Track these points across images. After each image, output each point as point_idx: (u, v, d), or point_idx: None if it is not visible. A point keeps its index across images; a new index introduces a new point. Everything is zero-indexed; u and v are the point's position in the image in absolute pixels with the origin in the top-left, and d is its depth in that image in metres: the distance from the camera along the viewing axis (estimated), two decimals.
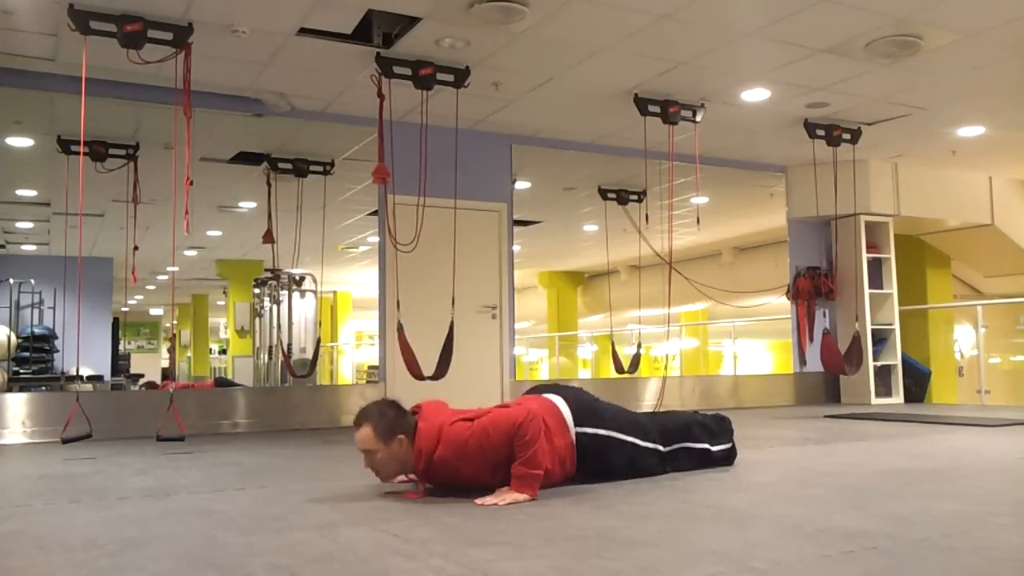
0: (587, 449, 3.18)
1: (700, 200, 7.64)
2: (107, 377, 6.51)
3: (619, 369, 7.40)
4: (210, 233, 7.14)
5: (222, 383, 6.94)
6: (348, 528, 2.43)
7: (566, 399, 3.22)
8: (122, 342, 6.73)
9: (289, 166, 6.74)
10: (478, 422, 2.94)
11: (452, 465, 2.93)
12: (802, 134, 7.19)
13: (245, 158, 6.80)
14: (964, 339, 11.27)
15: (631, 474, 3.34)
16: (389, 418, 2.95)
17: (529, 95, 6.37)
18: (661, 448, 3.41)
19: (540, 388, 3.36)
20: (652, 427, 3.41)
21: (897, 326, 8.56)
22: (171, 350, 6.83)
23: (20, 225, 6.58)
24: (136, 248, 6.11)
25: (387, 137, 5.82)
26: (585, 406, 3.25)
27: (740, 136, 7.58)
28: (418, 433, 2.95)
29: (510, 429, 2.88)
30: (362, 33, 5.25)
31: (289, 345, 6.91)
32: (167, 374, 6.85)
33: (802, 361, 8.54)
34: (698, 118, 6.65)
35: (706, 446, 3.57)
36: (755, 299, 8.74)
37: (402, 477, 3.31)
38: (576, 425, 3.17)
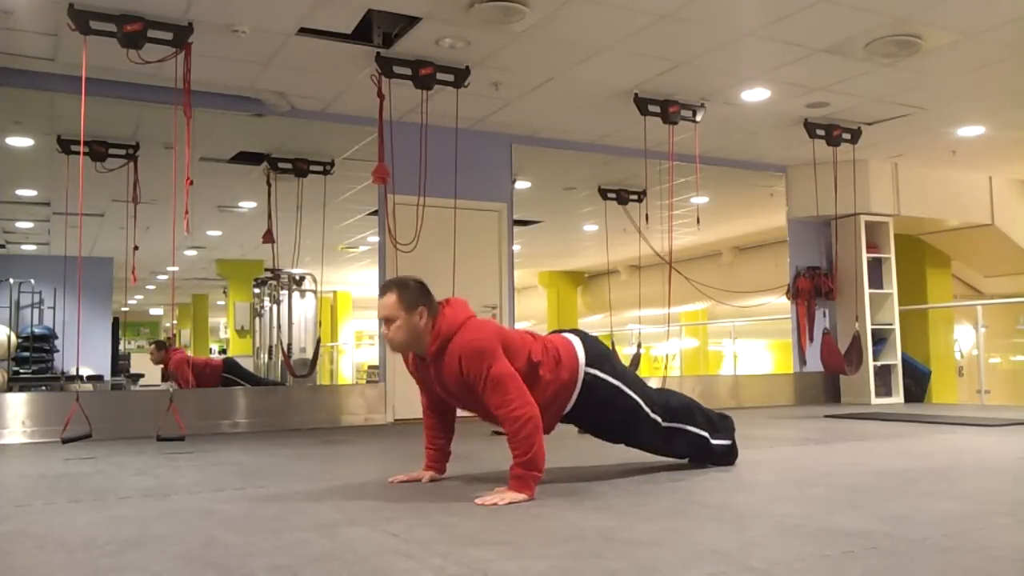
0: (591, 392, 3.18)
1: (700, 200, 7.64)
2: (107, 377, 6.51)
3: None
4: (210, 233, 7.14)
5: (231, 365, 6.90)
6: (348, 528, 2.43)
7: (585, 341, 3.25)
8: (122, 342, 6.73)
9: (289, 166, 6.74)
10: (495, 367, 2.92)
11: (451, 367, 2.96)
12: (802, 134, 7.20)
13: (245, 158, 6.80)
14: (964, 339, 11.27)
15: (626, 431, 3.35)
16: (414, 290, 3.06)
17: (529, 95, 6.37)
18: (660, 421, 3.37)
19: (565, 329, 3.40)
20: (657, 400, 3.39)
21: (897, 326, 8.56)
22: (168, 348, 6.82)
23: (20, 225, 6.58)
24: (136, 248, 6.11)
25: (387, 137, 5.82)
26: (601, 354, 3.28)
27: (740, 136, 7.58)
28: (442, 317, 3.02)
29: (502, 406, 2.90)
30: (362, 33, 5.25)
31: (289, 345, 6.91)
32: (168, 343, 6.76)
33: (802, 361, 8.54)
34: (698, 118, 6.65)
35: (706, 435, 3.52)
36: (755, 299, 8.74)
37: (401, 477, 3.32)
38: (587, 366, 3.18)
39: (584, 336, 3.30)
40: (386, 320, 3.05)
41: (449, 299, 3.14)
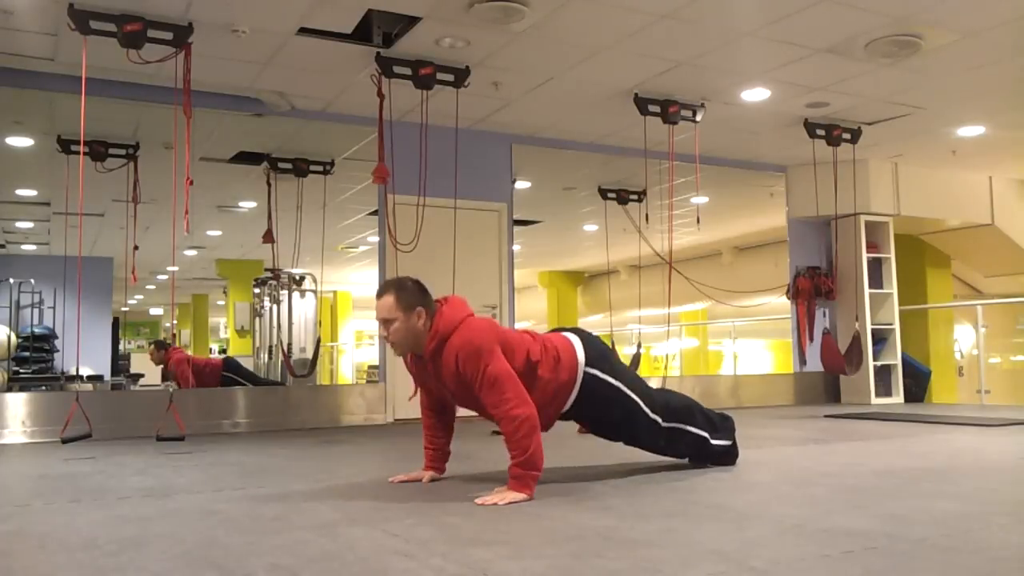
0: (591, 391, 3.18)
1: (700, 200, 7.64)
2: (107, 377, 6.51)
3: None
4: (210, 233, 7.14)
5: (231, 364, 6.90)
6: (348, 528, 2.43)
7: (585, 341, 3.25)
8: (122, 342, 6.73)
9: (289, 166, 6.74)
10: (492, 366, 2.92)
11: (449, 365, 2.97)
12: (802, 134, 7.20)
13: (245, 158, 6.80)
14: (964, 339, 11.27)
15: (626, 430, 3.35)
16: (411, 290, 3.06)
17: (529, 95, 6.37)
18: (660, 421, 3.36)
19: (565, 328, 3.39)
20: (657, 400, 3.39)
21: (897, 326, 8.56)
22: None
23: (20, 225, 6.58)
24: (136, 248, 6.11)
25: (387, 137, 5.82)
26: (601, 353, 3.27)
27: (740, 136, 7.58)
28: (440, 315, 3.03)
29: (498, 405, 2.90)
30: (362, 33, 5.25)
31: (289, 345, 6.91)
32: (168, 343, 6.76)
33: (802, 361, 8.54)
34: (698, 118, 6.65)
35: (706, 435, 3.52)
36: (755, 299, 8.74)
37: (401, 477, 3.32)
38: (587, 365, 3.18)
39: (584, 335, 3.30)
40: (384, 322, 3.05)
41: (448, 297, 3.15)
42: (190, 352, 6.99)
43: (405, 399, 6.36)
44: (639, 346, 7.49)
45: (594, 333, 3.39)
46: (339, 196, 6.99)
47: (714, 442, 3.56)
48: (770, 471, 3.59)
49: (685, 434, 3.46)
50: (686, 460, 3.65)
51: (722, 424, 3.63)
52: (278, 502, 2.92)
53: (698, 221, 7.33)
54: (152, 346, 6.73)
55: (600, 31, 5.20)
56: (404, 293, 3.04)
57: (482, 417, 3.18)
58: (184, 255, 6.88)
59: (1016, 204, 9.59)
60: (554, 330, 3.39)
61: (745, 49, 5.53)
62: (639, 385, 3.35)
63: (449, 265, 6.17)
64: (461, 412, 3.29)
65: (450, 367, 2.99)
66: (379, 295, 3.08)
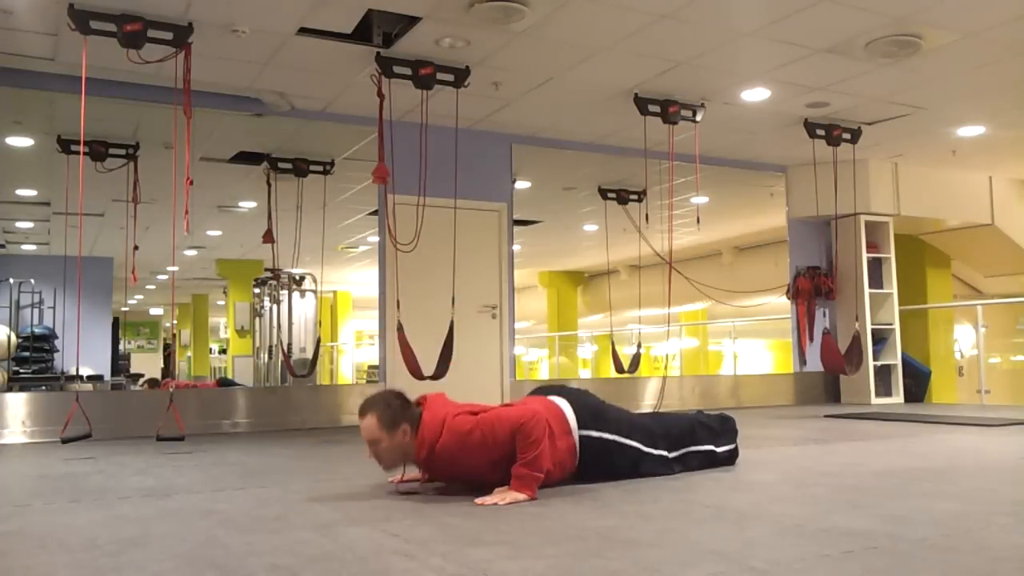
0: (590, 452, 3.18)
1: (700, 200, 7.64)
2: (107, 377, 6.51)
3: (619, 369, 7.40)
4: (210, 233, 7.14)
5: (225, 384, 6.93)
6: (348, 528, 2.43)
7: (571, 402, 3.22)
8: (122, 342, 6.73)
9: (289, 166, 6.74)
10: (483, 416, 2.95)
11: (453, 456, 2.94)
12: (802, 134, 7.19)
13: (245, 158, 6.80)
14: (964, 339, 11.27)
15: (636, 475, 3.34)
16: (394, 408, 2.98)
17: (529, 95, 6.37)
18: (667, 454, 3.41)
19: (544, 389, 3.36)
20: (658, 433, 3.41)
21: (897, 326, 8.56)
22: (170, 354, 6.83)
23: (20, 225, 6.58)
24: (136, 248, 6.11)
25: (387, 137, 5.82)
26: (589, 409, 3.25)
27: (740, 136, 7.58)
28: (422, 423, 2.97)
29: (514, 425, 2.90)
30: (362, 33, 5.25)
31: (289, 345, 6.91)
32: (166, 374, 6.85)
33: (802, 361, 8.54)
34: (698, 118, 6.65)
35: (711, 448, 3.57)
36: (755, 299, 8.74)
37: (399, 476, 3.32)
38: (580, 428, 3.17)
39: (570, 396, 3.27)
40: (370, 443, 2.98)
41: (426, 398, 3.08)
42: (189, 353, 7.00)
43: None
44: (639, 346, 7.49)
45: (576, 387, 3.39)
46: (339, 196, 6.99)
47: (719, 450, 3.62)
48: (770, 471, 3.59)
49: (694, 455, 3.52)
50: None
51: (722, 428, 3.66)
52: (278, 502, 2.92)
53: (698, 221, 7.33)
54: (145, 384, 6.76)
55: (600, 31, 5.20)
56: (387, 412, 2.96)
57: (496, 481, 3.02)
58: (184, 255, 6.88)
59: (1016, 204, 9.59)
60: (536, 391, 3.36)
61: (745, 49, 5.53)
62: (635, 427, 3.35)
63: (449, 265, 6.17)
64: None
65: (451, 458, 2.95)
66: (361, 414, 3.00)
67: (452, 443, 2.92)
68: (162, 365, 7.15)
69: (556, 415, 3.15)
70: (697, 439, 3.53)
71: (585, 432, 3.18)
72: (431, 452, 2.94)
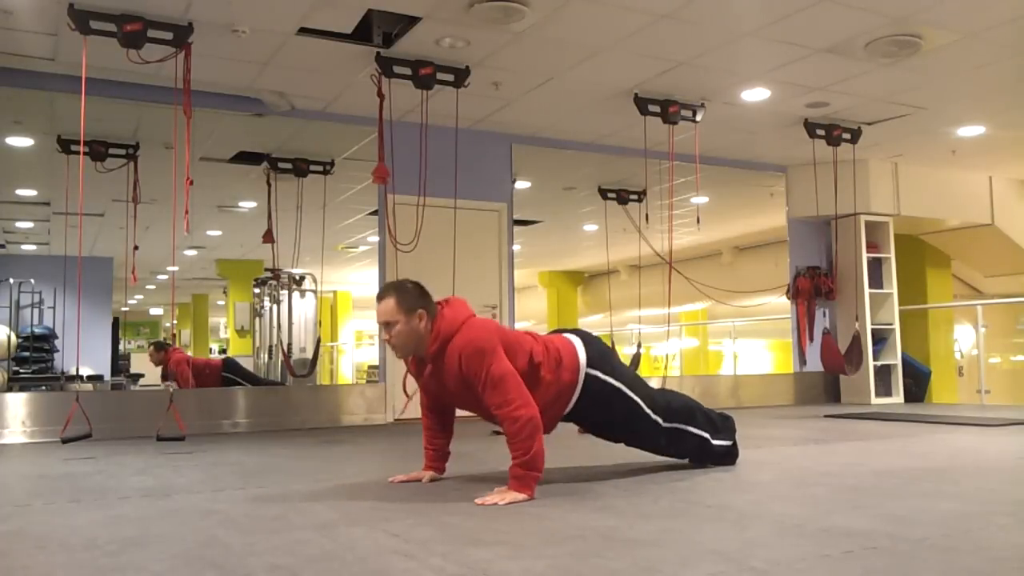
0: (592, 392, 3.18)
1: (700, 200, 7.64)
2: (107, 377, 6.51)
3: None
4: (210, 233, 7.14)
5: (230, 364, 6.89)
6: (348, 528, 2.43)
7: (586, 342, 3.24)
8: (122, 342, 6.73)
9: (289, 166, 6.74)
10: (495, 367, 2.91)
11: (451, 366, 2.97)
12: (802, 134, 7.20)
13: (245, 158, 6.80)
14: (964, 339, 11.27)
15: (627, 431, 3.36)
16: (412, 293, 3.05)
17: (529, 95, 6.37)
18: (661, 422, 3.37)
19: (566, 329, 3.39)
20: (658, 400, 3.40)
21: (897, 326, 8.56)
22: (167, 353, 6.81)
23: (20, 225, 6.58)
24: (136, 248, 6.11)
25: (387, 137, 5.82)
26: (602, 354, 3.27)
27: (740, 136, 7.58)
28: (441, 317, 3.02)
29: (502, 406, 2.89)
30: (362, 33, 5.25)
31: (289, 345, 6.91)
32: (167, 344, 6.76)
33: (802, 361, 8.54)
34: (698, 118, 6.65)
35: (706, 436, 3.52)
36: (755, 299, 8.74)
37: (401, 477, 3.32)
38: (588, 366, 3.18)
39: (585, 336, 3.30)
40: (386, 325, 3.04)
41: (449, 298, 3.14)
42: (190, 352, 6.99)
43: (405, 398, 6.38)
44: (639, 346, 7.49)
45: (594, 334, 3.40)
46: (339, 196, 6.99)
47: (715, 442, 3.57)
48: (770, 471, 3.59)
49: (686, 434, 3.46)
50: (686, 460, 3.65)
51: (723, 424, 3.63)
52: (278, 502, 2.92)
53: (698, 221, 7.33)
54: (151, 347, 6.73)
55: (600, 31, 5.20)
56: (405, 295, 3.03)
57: (483, 419, 3.18)
58: (184, 255, 6.88)
59: (1016, 204, 9.59)
60: (555, 331, 3.39)
61: (745, 49, 5.53)
62: (640, 386, 3.35)
63: (449, 265, 6.17)
64: (460, 412, 3.28)
65: (452, 368, 2.98)
66: (379, 298, 3.07)
67: (464, 347, 2.93)
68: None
69: (568, 349, 3.18)
70: (695, 420, 3.50)
71: (593, 371, 3.19)
72: (443, 347, 2.98)
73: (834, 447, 4.50)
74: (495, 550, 2.13)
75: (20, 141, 6.14)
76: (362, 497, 3.01)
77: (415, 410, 3.51)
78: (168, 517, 2.66)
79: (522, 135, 7.41)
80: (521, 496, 2.83)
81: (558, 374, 3.11)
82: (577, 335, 3.29)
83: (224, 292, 7.35)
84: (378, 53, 5.48)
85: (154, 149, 6.22)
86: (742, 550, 2.10)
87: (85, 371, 6.15)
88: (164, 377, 6.64)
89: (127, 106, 5.97)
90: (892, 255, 8.64)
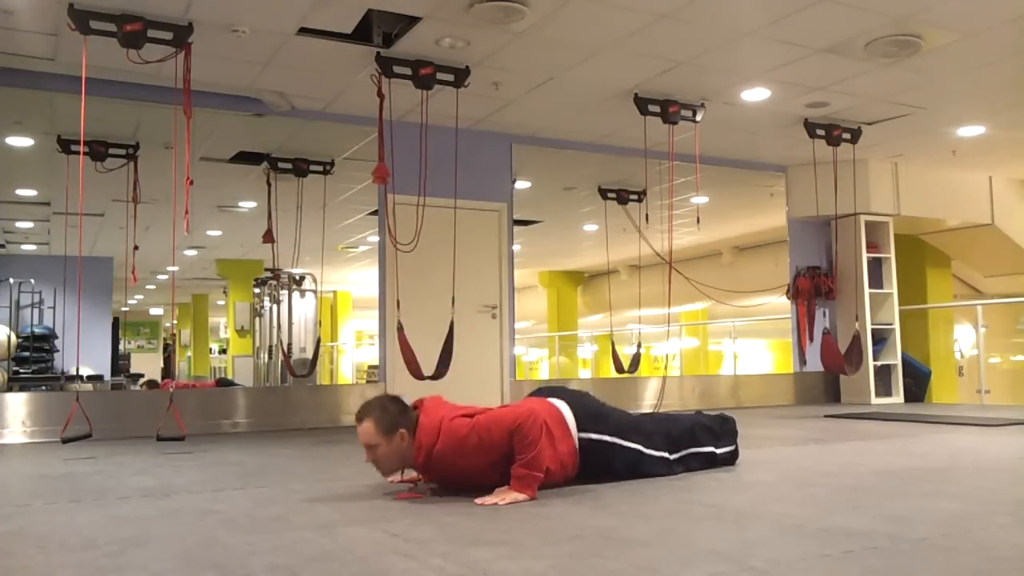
0: (590, 454, 3.18)
1: (700, 200, 7.64)
2: (107, 377, 6.51)
3: (619, 369, 7.40)
4: (210, 233, 7.14)
5: (224, 384, 6.93)
6: (348, 528, 2.43)
7: (570, 404, 3.22)
8: (122, 342, 6.73)
9: (289, 166, 6.74)
10: (479, 418, 2.95)
11: (451, 460, 2.93)
12: (802, 134, 7.19)
13: (245, 158, 6.80)
14: (964, 339, 11.27)
15: (637, 476, 3.34)
16: (391, 413, 2.98)
17: (529, 95, 6.37)
18: (668, 456, 3.41)
19: (544, 390, 3.36)
20: (658, 434, 3.41)
21: (897, 326, 8.56)
22: (170, 354, 6.83)
23: (20, 225, 6.58)
24: (136, 248, 6.11)
25: (387, 137, 5.82)
26: (589, 410, 3.25)
27: (740, 136, 7.58)
28: (419, 427, 2.96)
29: (511, 426, 2.89)
30: (362, 33, 5.25)
31: (289, 345, 6.91)
32: (166, 374, 6.85)
33: (802, 361, 8.54)
34: (698, 118, 6.65)
35: (711, 449, 3.57)
36: (755, 299, 8.74)
37: (397, 477, 3.32)
38: (579, 430, 3.17)
39: (569, 397, 3.27)
40: (368, 448, 2.98)
41: (422, 402, 3.08)
42: (190, 353, 7.00)
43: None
44: (639, 346, 7.49)
45: (573, 387, 3.39)
46: (339, 196, 6.99)
47: (720, 451, 3.62)
48: (770, 471, 3.59)
49: (695, 456, 3.52)
50: None
51: (722, 429, 3.67)
52: (278, 502, 2.92)
53: (698, 221, 7.33)
54: (144, 386, 6.75)
55: (600, 31, 5.20)
56: (384, 417, 2.96)
57: (495, 483, 3.02)
58: (184, 255, 6.88)
59: (1016, 204, 9.59)
60: (536, 392, 3.37)
61: (745, 49, 5.53)
62: (637, 429, 3.35)
63: (449, 265, 6.17)
64: None
65: (448, 461, 2.95)
66: (358, 420, 2.99)
67: (449, 447, 2.92)
68: (162, 365, 7.15)
69: (555, 417, 3.14)
70: (697, 440, 3.54)
71: (584, 434, 3.18)
72: (428, 456, 2.94)
73: (834, 447, 4.50)
74: (495, 550, 2.13)
75: (20, 141, 6.14)
76: (362, 497, 3.01)
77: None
78: (168, 517, 2.66)
79: (522, 135, 7.40)
80: (522, 496, 2.83)
81: (556, 449, 3.07)
82: (560, 397, 3.25)
83: (224, 292, 7.34)
84: (378, 53, 5.48)
85: (154, 149, 6.22)
86: (742, 550, 2.10)
87: (85, 371, 6.15)
88: (165, 376, 6.67)
89: (127, 106, 5.97)
90: (892, 255, 8.64)
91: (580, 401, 3.27)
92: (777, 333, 9.19)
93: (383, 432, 2.94)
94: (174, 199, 5.07)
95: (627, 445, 3.27)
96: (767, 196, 8.78)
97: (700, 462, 3.55)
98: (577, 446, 3.16)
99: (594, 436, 3.19)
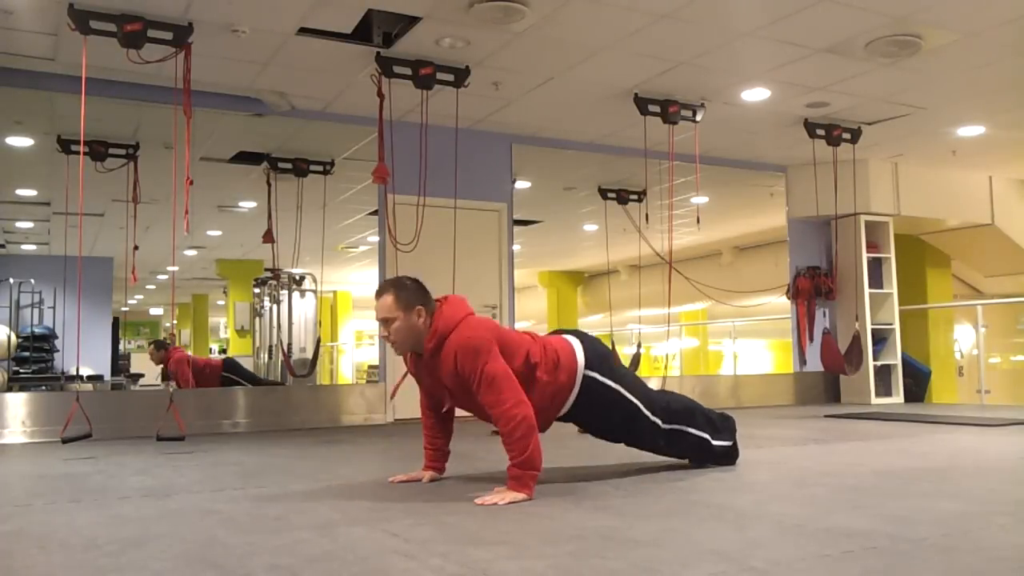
0: (590, 395, 3.18)
1: (700, 200, 7.64)
2: (107, 377, 6.51)
3: None
4: (210, 233, 7.14)
5: (230, 364, 6.89)
6: (348, 528, 2.43)
7: (585, 344, 3.24)
8: (122, 342, 6.73)
9: (289, 166, 6.74)
10: (487, 368, 2.92)
11: (448, 364, 2.98)
12: (802, 134, 7.20)
13: (245, 158, 6.80)
14: (964, 339, 11.27)
15: (626, 433, 3.36)
16: (412, 290, 3.08)
17: (529, 95, 6.37)
18: (660, 424, 3.37)
19: (566, 330, 3.39)
20: (657, 402, 3.39)
21: (897, 326, 8.56)
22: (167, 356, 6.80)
23: (20, 225, 6.58)
24: (136, 248, 6.11)
25: (387, 137, 5.82)
26: (601, 356, 3.27)
27: (740, 136, 7.58)
28: (439, 314, 3.04)
29: (496, 405, 2.90)
30: (362, 33, 5.25)
31: (289, 345, 6.91)
32: (167, 343, 6.76)
33: (802, 361, 8.54)
34: (698, 118, 6.65)
35: (706, 436, 3.52)
36: (755, 299, 8.74)
37: (401, 477, 3.32)
38: (586, 368, 3.17)
39: (584, 337, 3.29)
40: (384, 321, 3.06)
41: (447, 296, 3.16)
42: (190, 352, 6.99)
43: (405, 399, 6.37)
44: (639, 346, 7.49)
45: (594, 335, 3.39)
46: (339, 196, 6.99)
47: (715, 443, 3.57)
48: (770, 471, 3.59)
49: (686, 435, 3.47)
50: (686, 460, 3.65)
51: (723, 424, 3.63)
52: (278, 502, 2.92)
53: (698, 221, 7.33)
54: (152, 346, 6.73)
55: (600, 31, 5.20)
56: (404, 292, 3.05)
57: (478, 418, 3.18)
58: (184, 255, 6.88)
59: (1016, 204, 9.59)
60: (554, 332, 3.39)
61: (745, 49, 5.53)
62: (639, 388, 3.35)
63: (449, 265, 6.17)
64: (460, 412, 3.28)
65: (448, 365, 2.99)
66: (378, 295, 3.08)
67: (458, 343, 2.95)
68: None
69: (566, 349, 3.18)
70: (694, 422, 3.49)
71: (591, 373, 3.18)
72: (439, 344, 2.99)
73: (834, 447, 4.50)
74: (495, 550, 2.13)
75: (20, 141, 6.14)
76: (362, 497, 3.01)
77: (416, 410, 3.51)
78: (168, 517, 2.66)
79: (522, 135, 7.41)
80: (520, 496, 2.83)
81: (555, 375, 3.11)
82: (576, 336, 3.29)
83: (224, 292, 7.34)
84: (378, 53, 5.48)
85: (154, 149, 6.22)
86: (742, 550, 2.10)
87: (85, 371, 6.14)
88: (164, 377, 6.65)
89: (127, 106, 5.98)
90: (892, 255, 8.64)
91: (595, 344, 3.29)
92: (777, 333, 9.19)
93: (402, 306, 3.02)
94: (174, 199, 5.08)
95: (629, 397, 3.26)
96: (767, 196, 8.78)
97: (693, 448, 3.51)
98: (578, 384, 3.16)
99: (600, 378, 3.20)
